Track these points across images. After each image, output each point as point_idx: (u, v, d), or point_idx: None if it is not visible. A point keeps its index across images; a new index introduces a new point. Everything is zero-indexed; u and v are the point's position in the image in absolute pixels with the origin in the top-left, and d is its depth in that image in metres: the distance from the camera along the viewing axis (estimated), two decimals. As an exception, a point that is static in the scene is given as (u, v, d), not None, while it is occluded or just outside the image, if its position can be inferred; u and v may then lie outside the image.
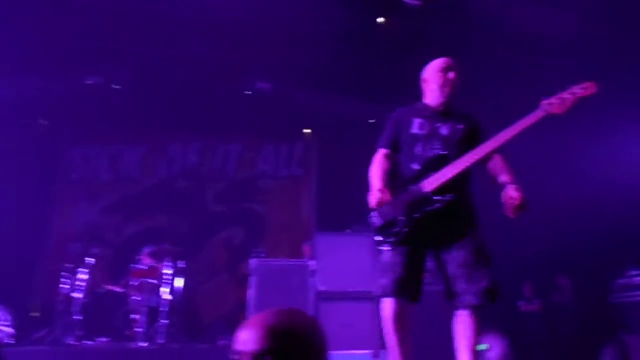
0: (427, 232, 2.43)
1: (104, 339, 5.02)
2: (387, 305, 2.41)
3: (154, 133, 8.09)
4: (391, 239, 2.41)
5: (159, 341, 4.97)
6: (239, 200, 8.16)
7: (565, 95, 2.43)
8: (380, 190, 2.47)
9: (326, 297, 4.78)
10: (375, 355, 4.44)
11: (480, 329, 2.38)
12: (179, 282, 5.68)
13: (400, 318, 2.38)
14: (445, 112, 2.65)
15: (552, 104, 2.43)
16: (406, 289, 2.39)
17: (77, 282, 5.13)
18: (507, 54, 5.99)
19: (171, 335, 5.13)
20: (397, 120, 2.73)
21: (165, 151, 8.22)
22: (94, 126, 7.89)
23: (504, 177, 2.51)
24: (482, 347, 4.75)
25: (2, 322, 4.89)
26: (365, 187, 2.64)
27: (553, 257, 6.73)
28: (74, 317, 4.97)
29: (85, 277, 5.21)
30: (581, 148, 6.65)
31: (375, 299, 2.52)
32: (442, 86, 2.64)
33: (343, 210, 6.09)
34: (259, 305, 4.72)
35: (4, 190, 6.68)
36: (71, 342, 4.75)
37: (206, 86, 7.23)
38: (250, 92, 7.65)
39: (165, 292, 5.25)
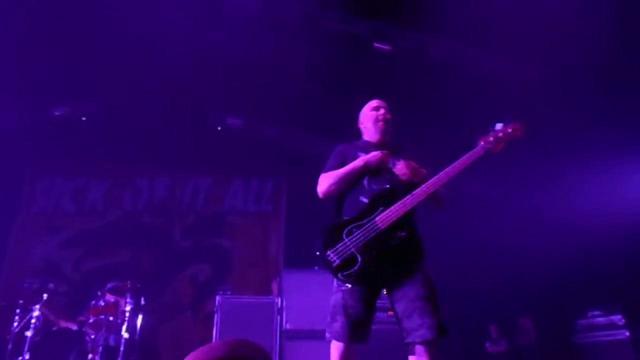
0: (382, 269, 2.42)
1: (55, 381, 4.73)
2: (337, 349, 2.41)
3: (121, 166, 7.96)
4: (350, 279, 2.39)
5: (116, 383, 4.73)
6: (206, 236, 8.02)
7: (500, 134, 2.58)
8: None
9: (292, 335, 4.69)
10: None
11: None
12: (139, 320, 5.47)
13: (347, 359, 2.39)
14: (384, 147, 2.78)
15: (488, 142, 2.57)
16: (358, 333, 2.40)
17: (30, 320, 4.86)
18: (463, 96, 6.21)
19: (129, 377, 4.89)
20: (342, 153, 2.83)
21: (132, 185, 8.06)
22: (59, 158, 7.71)
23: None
24: (449, 388, 4.70)
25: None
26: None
27: (517, 299, 6.83)
28: (25, 357, 4.69)
29: (37, 313, 4.96)
30: (540, 192, 6.89)
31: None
32: (375, 123, 2.86)
33: (311, 248, 6.07)
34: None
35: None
36: (19, 384, 4.46)
37: (177, 120, 7.23)
38: (220, 128, 7.68)
39: (124, 331, 5.03)
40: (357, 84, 6.44)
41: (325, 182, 2.69)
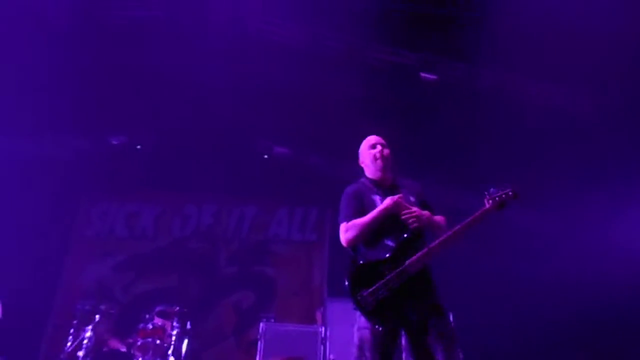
0: (405, 309, 2.53)
1: (104, 401, 4.84)
2: None
3: (171, 193, 8.24)
4: (385, 322, 2.48)
5: (160, 406, 4.79)
6: (251, 263, 8.10)
7: (498, 196, 2.72)
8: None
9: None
10: None
11: None
12: (184, 345, 5.54)
13: None
14: (394, 186, 2.90)
15: (491, 203, 2.71)
16: None
17: (83, 340, 5.04)
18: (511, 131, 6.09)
19: (172, 401, 4.94)
20: (357, 197, 2.87)
21: (181, 211, 8.31)
22: (114, 184, 8.09)
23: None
24: None
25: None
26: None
27: (569, 332, 6.47)
28: (76, 376, 4.85)
29: (90, 334, 5.13)
30: (594, 222, 6.58)
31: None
32: (374, 161, 2.94)
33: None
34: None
35: (20, 242, 6.76)
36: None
37: (225, 148, 7.48)
38: (267, 156, 7.86)
39: (170, 354, 5.11)
40: (402, 113, 6.47)
41: (350, 232, 2.74)
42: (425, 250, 2.59)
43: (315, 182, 7.94)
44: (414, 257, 2.56)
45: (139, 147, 7.52)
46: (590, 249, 6.51)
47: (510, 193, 2.72)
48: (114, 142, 7.44)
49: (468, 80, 6.03)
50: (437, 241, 2.63)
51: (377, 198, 2.81)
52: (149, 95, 6.43)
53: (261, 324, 4.89)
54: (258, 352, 4.71)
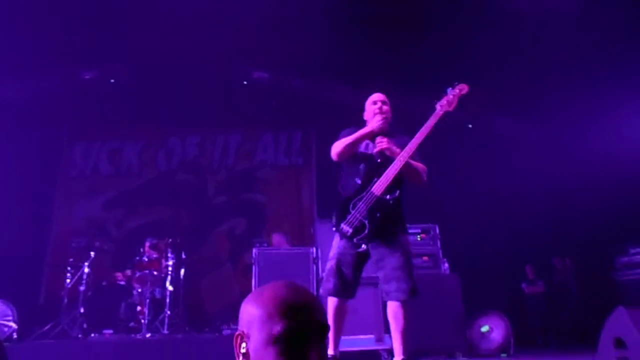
0: (379, 233, 2.89)
1: (109, 331, 5.06)
2: (332, 303, 2.94)
3: (153, 127, 8.09)
4: (363, 241, 2.89)
5: (164, 332, 5.02)
6: (240, 191, 8.16)
7: (450, 96, 3.07)
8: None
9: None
10: (379, 339, 4.48)
11: (408, 317, 2.85)
12: (182, 274, 5.72)
13: (340, 312, 2.93)
14: (383, 134, 3.12)
15: (443, 105, 3.05)
16: (348, 292, 2.94)
17: (82, 276, 5.16)
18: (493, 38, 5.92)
19: (175, 326, 5.18)
20: (350, 132, 3.18)
21: (165, 144, 8.21)
22: (93, 122, 7.90)
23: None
24: (484, 328, 4.78)
25: (4, 318, 4.92)
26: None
27: (555, 238, 6.75)
28: (79, 310, 5.02)
29: (87, 270, 5.25)
30: (576, 127, 6.64)
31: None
32: (373, 116, 3.21)
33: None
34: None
35: (6, 188, 6.70)
36: (77, 335, 4.80)
37: (203, 78, 7.21)
38: (247, 83, 7.64)
39: (168, 284, 5.29)
40: (385, 32, 6.23)
41: (337, 146, 3.12)
42: (389, 169, 2.91)
43: (298, 105, 7.81)
44: (380, 179, 2.91)
45: (112, 80, 7.23)
46: (572, 155, 6.63)
47: (464, 87, 3.07)
48: (86, 77, 7.13)
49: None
50: (402, 152, 2.93)
51: (367, 142, 3.12)
52: (119, 24, 6.07)
53: (254, 250, 5.00)
54: (253, 277, 4.86)
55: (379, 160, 3.03)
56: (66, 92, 7.27)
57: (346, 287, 2.92)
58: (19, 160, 7.07)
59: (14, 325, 4.92)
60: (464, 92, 3.07)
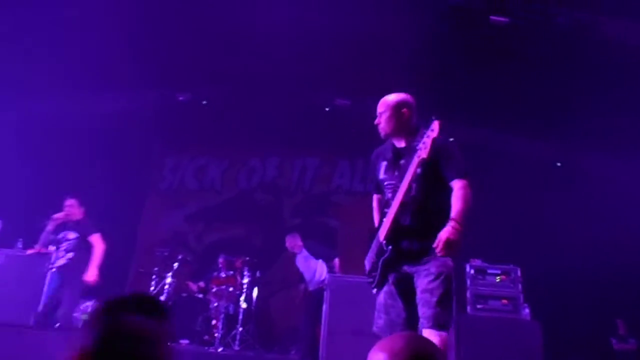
0: (395, 271, 2.60)
1: (185, 341, 5.28)
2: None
3: (237, 147, 8.47)
4: (373, 283, 2.65)
5: (235, 348, 5.16)
6: (314, 214, 8.28)
7: (425, 139, 2.41)
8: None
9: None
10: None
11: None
12: (255, 292, 5.88)
13: None
14: (403, 150, 2.69)
15: (419, 150, 2.42)
16: (398, 328, 2.55)
17: (164, 286, 5.46)
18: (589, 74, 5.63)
19: (245, 343, 5.30)
20: (373, 165, 2.88)
21: (246, 164, 8.57)
22: (183, 139, 8.43)
23: (452, 212, 2.52)
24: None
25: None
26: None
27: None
28: (159, 318, 5.28)
29: (170, 280, 5.54)
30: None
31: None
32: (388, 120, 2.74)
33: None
34: (333, 320, 4.74)
35: (102, 195, 7.27)
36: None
37: (287, 102, 7.49)
38: (328, 109, 7.81)
39: (242, 301, 5.45)
40: (468, 58, 6.14)
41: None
42: (386, 222, 2.59)
43: (377, 133, 7.83)
44: (382, 228, 2.62)
45: (204, 102, 7.71)
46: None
47: (434, 129, 2.37)
48: (180, 98, 7.66)
49: (542, 21, 5.58)
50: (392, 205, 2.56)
51: (382, 165, 2.78)
52: (213, 51, 6.49)
53: (327, 276, 5.03)
54: (325, 302, 4.87)
55: (390, 194, 2.68)
56: (162, 111, 7.85)
57: (396, 324, 2.57)
58: (115, 170, 7.67)
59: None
60: (434, 134, 2.39)
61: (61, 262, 5.08)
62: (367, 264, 2.74)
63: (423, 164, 2.44)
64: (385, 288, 2.64)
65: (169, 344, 1.22)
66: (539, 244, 6.20)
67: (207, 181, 8.52)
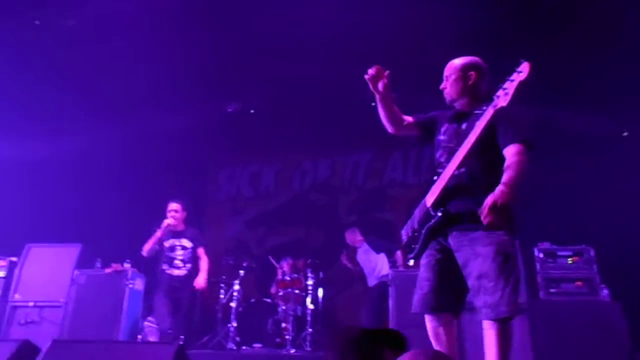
0: (440, 241, 2.45)
1: (258, 345, 5.44)
2: (426, 322, 2.47)
3: (288, 151, 8.61)
4: (411, 255, 2.53)
5: (307, 349, 5.25)
6: (370, 210, 8.27)
7: (507, 84, 2.23)
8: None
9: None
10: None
11: (504, 345, 2.16)
12: (320, 293, 5.96)
13: (436, 334, 2.40)
14: (463, 114, 2.59)
15: (498, 98, 2.23)
16: (435, 304, 2.38)
17: (233, 293, 5.64)
18: None
19: (317, 343, 5.38)
20: (435, 117, 2.79)
21: (299, 167, 8.69)
22: (236, 149, 8.66)
23: (503, 178, 2.25)
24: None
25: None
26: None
27: None
28: (232, 324, 5.47)
29: (238, 287, 5.72)
30: None
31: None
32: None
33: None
34: (399, 316, 4.73)
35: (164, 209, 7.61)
36: (232, 347, 5.24)
37: (334, 100, 7.52)
38: (374, 104, 7.77)
39: (309, 302, 5.54)
40: (516, 41, 5.92)
41: None
42: (436, 186, 2.44)
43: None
44: (431, 194, 2.47)
45: (252, 111, 7.88)
46: None
47: (521, 75, 2.19)
48: (229, 110, 7.86)
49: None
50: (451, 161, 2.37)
51: (443, 125, 2.70)
52: (258, 59, 6.63)
53: (390, 271, 5.04)
54: (390, 298, 4.87)
55: (443, 158, 2.55)
56: (213, 123, 8.10)
57: (430, 300, 2.42)
58: (174, 185, 8.00)
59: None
60: (523, 77, 2.21)
61: (179, 272, 5.12)
62: (404, 236, 2.64)
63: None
64: (423, 260, 2.51)
65: None
66: (612, 221, 5.88)
67: (262, 187, 8.72)
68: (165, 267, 5.18)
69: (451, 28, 5.82)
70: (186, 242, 5.27)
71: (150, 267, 5.37)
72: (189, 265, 5.19)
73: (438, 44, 5.83)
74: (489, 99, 2.31)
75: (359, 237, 6.33)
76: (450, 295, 2.40)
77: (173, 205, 5.34)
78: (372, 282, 6.11)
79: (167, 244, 5.23)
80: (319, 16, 5.98)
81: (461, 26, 5.78)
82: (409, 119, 2.87)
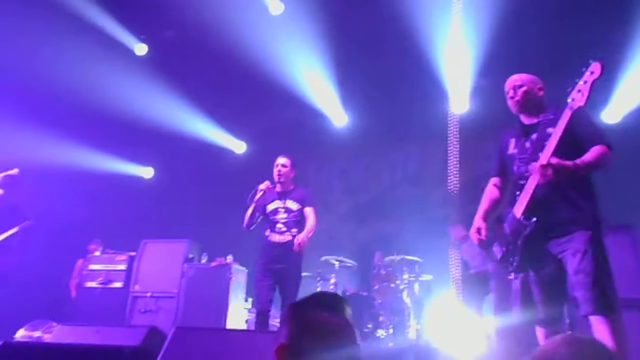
0: (536, 254, 2.51)
1: (357, 338, 5.51)
2: (538, 332, 2.60)
3: (376, 144, 8.59)
4: (511, 268, 2.59)
5: (404, 341, 5.25)
6: (461, 201, 8.03)
7: (581, 85, 2.37)
8: (477, 230, 2.75)
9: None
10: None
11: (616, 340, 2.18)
12: (416, 287, 5.91)
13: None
14: (531, 126, 2.71)
15: (574, 100, 2.38)
16: (539, 316, 2.52)
17: (329, 287, 5.77)
18: None
19: (417, 333, 5.35)
20: (499, 144, 2.90)
21: (387, 160, 8.64)
22: (325, 146, 8.83)
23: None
24: None
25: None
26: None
27: None
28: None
29: (334, 281, 5.84)
30: None
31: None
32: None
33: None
34: (500, 309, 4.59)
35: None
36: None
37: (420, 91, 7.45)
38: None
39: (405, 296, 5.52)
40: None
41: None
42: (523, 195, 2.52)
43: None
44: (519, 197, 2.56)
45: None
46: None
47: (594, 71, 2.31)
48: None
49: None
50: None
51: (511, 141, 2.82)
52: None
53: (489, 265, 4.87)
54: (491, 290, 4.72)
55: (523, 167, 2.70)
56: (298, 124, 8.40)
57: (530, 312, 2.63)
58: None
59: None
60: (595, 76, 2.32)
61: (282, 238, 4.38)
62: (499, 252, 2.67)
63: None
64: (523, 276, 2.59)
65: (352, 333, 1.35)
66: None
67: (352, 181, 8.78)
68: (267, 232, 4.49)
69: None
70: (292, 204, 4.48)
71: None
72: (294, 230, 4.40)
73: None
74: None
75: (463, 232, 6.20)
76: (551, 312, 2.58)
77: (281, 160, 4.52)
78: (475, 269, 5.98)
79: (270, 206, 4.49)
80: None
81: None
82: (497, 183, 3.00)
